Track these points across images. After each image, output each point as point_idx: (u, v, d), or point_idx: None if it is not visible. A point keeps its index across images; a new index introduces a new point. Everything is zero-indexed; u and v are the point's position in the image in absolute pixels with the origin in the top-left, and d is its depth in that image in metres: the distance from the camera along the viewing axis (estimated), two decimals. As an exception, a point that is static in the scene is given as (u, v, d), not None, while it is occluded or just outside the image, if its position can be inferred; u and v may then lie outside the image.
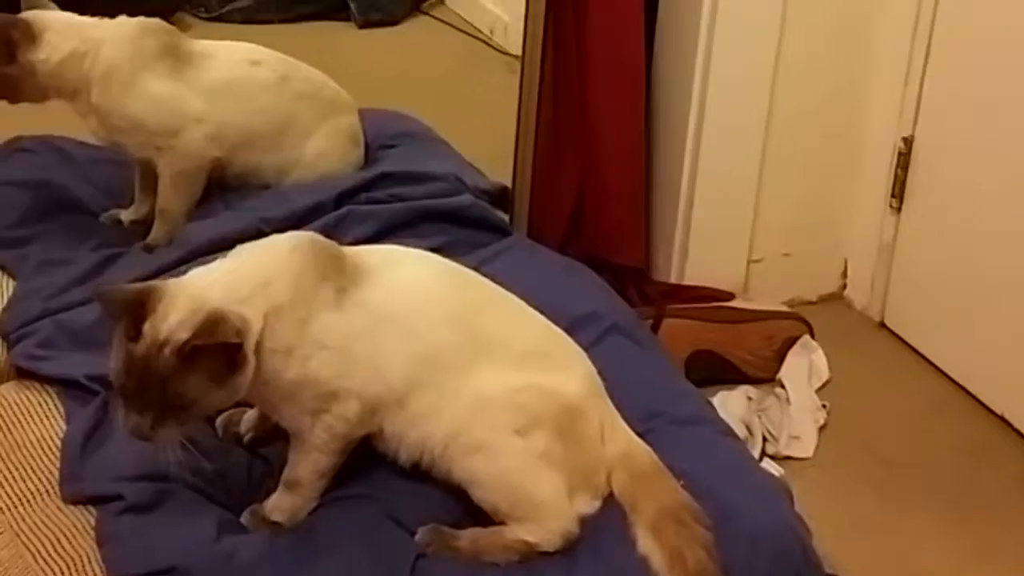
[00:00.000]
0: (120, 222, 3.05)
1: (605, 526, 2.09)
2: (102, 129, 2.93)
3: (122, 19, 2.94)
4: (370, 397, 2.07)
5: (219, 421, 2.32)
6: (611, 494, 2.12)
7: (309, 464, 2.11)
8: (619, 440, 2.14)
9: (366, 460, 2.16)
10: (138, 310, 1.95)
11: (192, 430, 2.04)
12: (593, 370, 2.19)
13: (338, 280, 2.06)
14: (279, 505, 2.13)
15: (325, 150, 3.09)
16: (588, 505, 2.10)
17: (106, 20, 2.92)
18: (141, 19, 2.94)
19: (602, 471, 2.12)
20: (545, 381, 2.09)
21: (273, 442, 2.27)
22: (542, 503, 2.07)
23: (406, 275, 2.15)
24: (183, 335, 1.91)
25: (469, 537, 2.08)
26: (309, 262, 2.06)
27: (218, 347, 1.92)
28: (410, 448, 2.09)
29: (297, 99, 3.06)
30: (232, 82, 2.99)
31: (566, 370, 2.15)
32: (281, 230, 2.81)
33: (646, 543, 2.02)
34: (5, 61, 2.80)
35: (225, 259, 2.09)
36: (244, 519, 2.13)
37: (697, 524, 2.02)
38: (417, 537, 2.08)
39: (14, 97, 2.87)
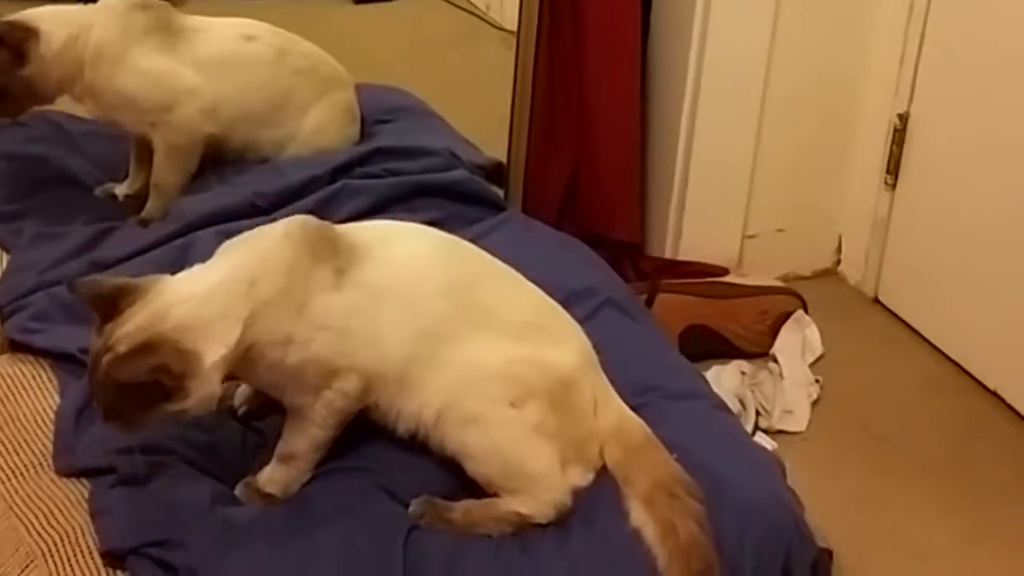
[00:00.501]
0: (115, 196, 3.05)
1: (598, 498, 2.09)
2: (97, 108, 2.92)
3: None
4: (369, 372, 2.07)
5: None
6: (604, 467, 2.12)
7: (306, 438, 2.12)
8: (612, 413, 2.15)
9: (361, 433, 2.16)
10: (108, 307, 1.96)
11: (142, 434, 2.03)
12: (587, 343, 2.20)
13: (334, 260, 2.06)
14: (273, 477, 2.13)
15: (322, 125, 3.08)
16: (581, 477, 2.11)
17: (91, 5, 2.92)
18: None
19: (595, 443, 2.12)
20: (540, 353, 2.09)
21: (267, 415, 2.28)
22: (535, 474, 2.07)
23: (401, 250, 2.14)
24: (121, 349, 1.91)
25: (462, 509, 2.09)
26: (302, 247, 2.06)
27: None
28: (407, 420, 2.09)
29: (294, 74, 3.06)
30: (226, 57, 2.98)
31: (561, 343, 2.15)
32: (276, 204, 2.83)
33: (639, 515, 2.03)
34: (22, 63, 2.79)
35: (215, 260, 2.08)
36: (238, 491, 2.13)
37: (690, 497, 2.02)
38: (410, 509, 2.09)
39: (26, 102, 2.88)
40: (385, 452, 2.17)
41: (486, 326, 2.09)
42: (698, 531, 1.99)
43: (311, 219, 2.15)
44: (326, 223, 2.16)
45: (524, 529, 2.07)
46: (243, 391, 2.32)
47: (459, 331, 2.07)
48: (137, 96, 2.88)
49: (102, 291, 1.98)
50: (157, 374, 1.90)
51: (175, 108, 2.90)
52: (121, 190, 3.05)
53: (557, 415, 2.08)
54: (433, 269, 2.12)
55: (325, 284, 2.04)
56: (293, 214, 2.72)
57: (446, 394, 2.06)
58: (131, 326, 1.93)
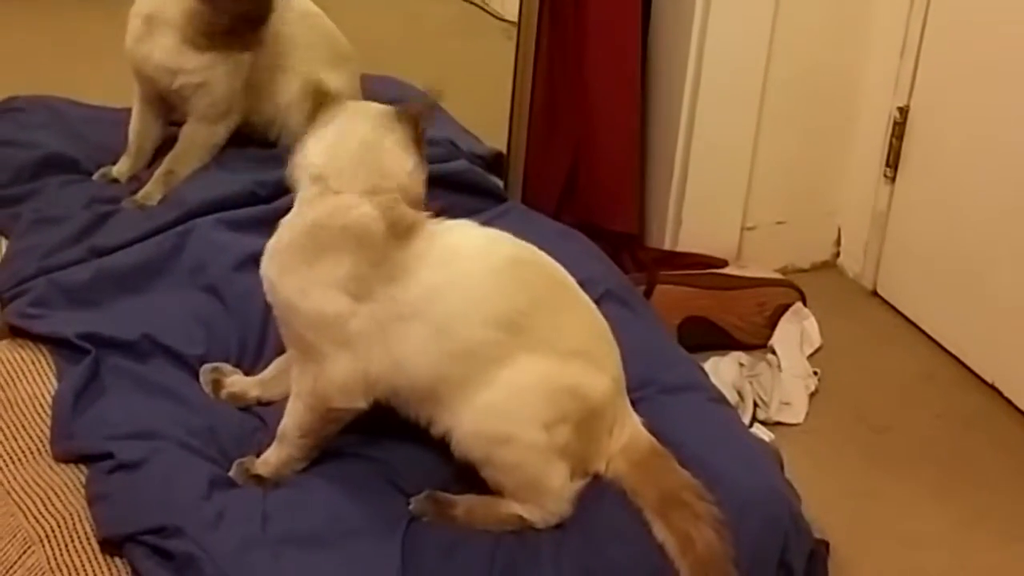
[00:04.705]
0: (115, 180, 3.03)
1: (595, 495, 2.11)
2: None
3: None
4: (381, 379, 2.07)
5: (204, 379, 2.35)
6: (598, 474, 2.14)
7: (295, 415, 2.12)
8: (624, 433, 2.15)
9: (366, 419, 2.16)
10: None
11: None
12: (621, 369, 2.18)
13: (392, 258, 2.06)
14: (267, 459, 2.14)
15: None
16: (581, 484, 2.12)
17: None
18: None
19: (603, 460, 2.14)
20: (580, 381, 2.08)
21: (254, 403, 2.33)
22: (549, 490, 2.09)
23: (462, 269, 2.09)
24: None
25: (464, 507, 2.10)
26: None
27: None
28: (438, 425, 2.08)
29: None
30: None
31: (600, 371, 2.12)
32: (276, 193, 2.83)
33: (658, 531, 2.04)
34: None
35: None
36: (232, 472, 2.14)
37: (700, 500, 2.03)
38: (412, 507, 2.10)
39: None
40: (389, 440, 2.18)
41: (535, 350, 2.05)
42: (715, 539, 2.00)
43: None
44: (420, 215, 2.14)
45: (524, 529, 2.08)
46: (237, 380, 2.35)
47: (505, 355, 2.04)
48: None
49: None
50: None
51: (229, 113, 2.92)
52: (120, 171, 3.04)
53: (579, 437, 2.08)
54: (489, 299, 2.07)
55: (359, 272, 2.05)
56: (293, 204, 2.74)
57: (486, 409, 2.03)
58: None
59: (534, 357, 2.05)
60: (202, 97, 2.90)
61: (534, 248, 2.17)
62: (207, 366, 2.38)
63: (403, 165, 2.14)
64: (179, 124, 3.00)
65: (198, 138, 2.93)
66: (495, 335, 2.04)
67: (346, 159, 2.11)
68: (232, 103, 2.94)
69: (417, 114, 2.16)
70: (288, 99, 3.01)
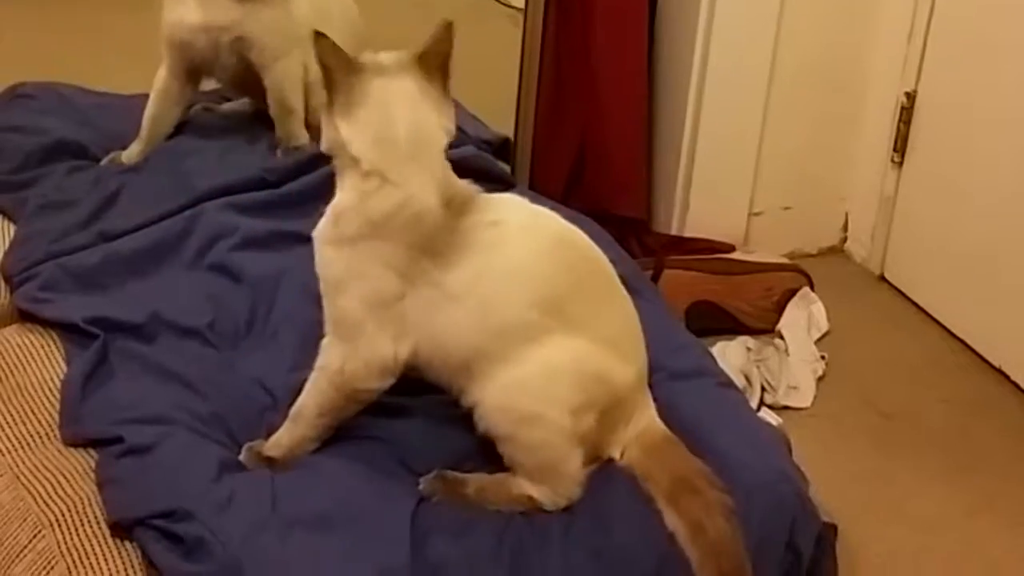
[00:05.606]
0: (122, 165, 3.03)
1: (605, 480, 2.11)
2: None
3: None
4: (418, 355, 2.06)
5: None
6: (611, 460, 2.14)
7: (316, 392, 2.11)
8: (641, 423, 2.14)
9: (374, 402, 2.16)
10: None
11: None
12: (646, 361, 2.18)
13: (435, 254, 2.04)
14: (279, 440, 2.13)
15: None
16: (592, 468, 2.12)
17: None
18: None
19: (618, 448, 2.13)
20: (609, 369, 2.07)
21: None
22: (565, 474, 2.08)
23: (509, 255, 2.07)
24: None
25: (475, 485, 2.09)
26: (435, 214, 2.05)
27: None
28: (468, 396, 2.07)
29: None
30: None
31: (627, 362, 2.12)
32: (285, 179, 2.83)
33: (669, 518, 2.03)
34: None
35: None
36: (243, 456, 2.13)
37: (712, 488, 2.02)
38: (422, 487, 2.09)
39: None
40: (398, 420, 2.18)
41: (571, 332, 2.05)
42: (726, 527, 1.99)
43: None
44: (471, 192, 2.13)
45: (533, 511, 2.08)
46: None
47: (542, 335, 2.03)
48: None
49: None
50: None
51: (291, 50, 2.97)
52: (129, 156, 3.04)
53: (600, 425, 2.08)
54: (535, 280, 2.06)
55: (406, 256, 2.03)
56: (302, 189, 2.74)
57: (517, 386, 2.03)
58: None
59: (569, 339, 2.04)
60: (250, 49, 2.95)
61: (577, 230, 2.16)
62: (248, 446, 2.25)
63: (448, 125, 2.09)
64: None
65: (277, 79, 2.98)
66: (537, 317, 2.03)
67: (403, 149, 2.03)
68: (288, 43, 2.95)
69: (441, 54, 2.11)
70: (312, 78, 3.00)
